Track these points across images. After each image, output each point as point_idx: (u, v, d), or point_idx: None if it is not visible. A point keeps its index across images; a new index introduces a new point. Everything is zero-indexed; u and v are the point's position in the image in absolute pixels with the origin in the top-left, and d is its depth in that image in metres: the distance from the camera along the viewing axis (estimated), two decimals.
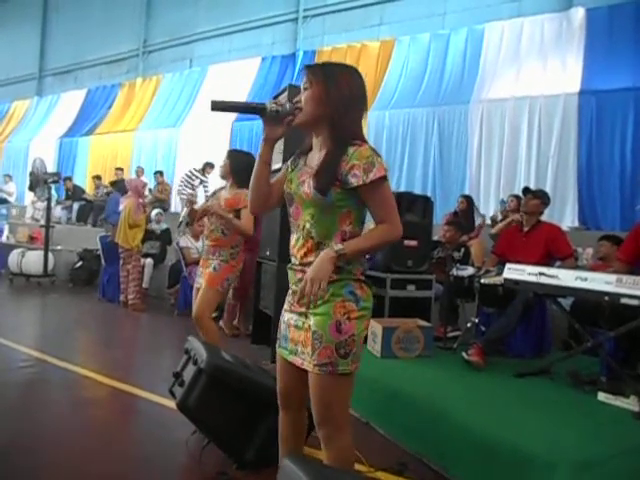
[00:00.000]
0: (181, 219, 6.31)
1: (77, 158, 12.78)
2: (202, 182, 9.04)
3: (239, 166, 3.22)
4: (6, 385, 3.27)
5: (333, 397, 1.52)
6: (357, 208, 1.53)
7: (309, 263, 1.51)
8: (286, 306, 1.65)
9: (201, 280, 3.21)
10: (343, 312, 1.49)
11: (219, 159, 3.71)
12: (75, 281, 7.85)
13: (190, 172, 9.09)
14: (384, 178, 1.47)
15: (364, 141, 1.51)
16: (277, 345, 1.67)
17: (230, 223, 3.10)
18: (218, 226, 3.20)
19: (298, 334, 1.56)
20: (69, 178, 10.96)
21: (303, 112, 1.53)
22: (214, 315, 3.76)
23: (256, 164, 1.65)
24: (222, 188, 3.38)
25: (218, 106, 1.59)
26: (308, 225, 1.53)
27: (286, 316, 1.64)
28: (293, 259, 1.61)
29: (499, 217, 6.55)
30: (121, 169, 10.57)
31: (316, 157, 1.56)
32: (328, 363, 1.47)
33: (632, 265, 3.26)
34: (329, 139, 1.53)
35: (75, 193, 10.68)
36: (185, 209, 4.94)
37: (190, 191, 8.68)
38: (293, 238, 1.61)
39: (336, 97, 1.50)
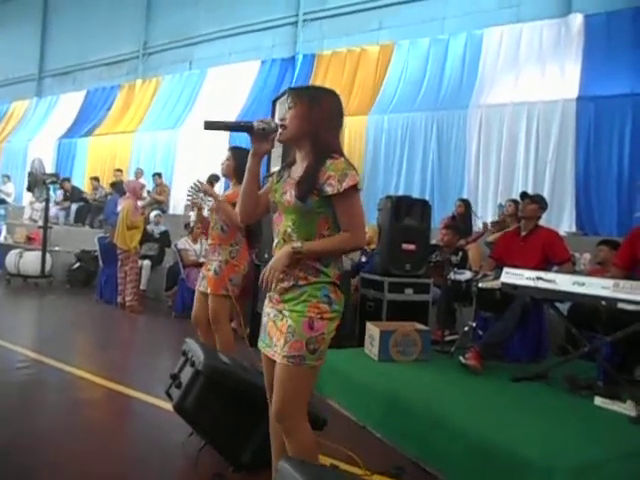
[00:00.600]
0: (192, 225, 6.39)
1: (76, 159, 12.75)
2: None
3: (242, 162, 3.22)
4: (3, 386, 3.26)
5: (296, 388, 1.65)
6: (333, 215, 1.68)
7: (289, 265, 1.66)
8: (266, 302, 1.81)
9: (204, 282, 3.18)
10: (317, 312, 1.64)
11: (218, 161, 3.70)
12: (73, 282, 7.84)
13: (195, 184, 9.10)
14: (355, 187, 1.64)
15: (341, 154, 1.69)
16: (259, 341, 1.81)
17: (220, 206, 3.08)
18: (218, 222, 3.19)
19: (275, 328, 1.71)
20: (67, 179, 10.94)
21: (288, 129, 1.70)
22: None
23: (245, 176, 1.81)
24: (226, 190, 3.39)
25: (210, 126, 1.80)
26: (289, 230, 1.70)
27: (266, 309, 1.79)
28: None
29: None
30: (120, 170, 10.56)
31: (299, 169, 1.73)
32: (297, 356, 1.62)
33: (628, 270, 3.27)
34: (311, 153, 1.70)
35: (73, 194, 10.66)
36: (193, 213, 4.99)
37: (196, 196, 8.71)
38: (275, 242, 1.76)
39: (318, 116, 1.67)
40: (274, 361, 1.70)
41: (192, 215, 5.43)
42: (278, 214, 1.76)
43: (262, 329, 1.80)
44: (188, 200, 3.39)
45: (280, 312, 1.71)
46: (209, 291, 3.11)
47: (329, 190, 1.63)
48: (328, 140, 1.69)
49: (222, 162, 3.32)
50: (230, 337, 3.16)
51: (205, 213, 3.40)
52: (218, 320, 3.10)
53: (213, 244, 3.20)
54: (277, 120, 1.76)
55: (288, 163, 1.82)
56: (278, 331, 1.69)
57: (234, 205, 3.11)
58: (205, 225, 3.35)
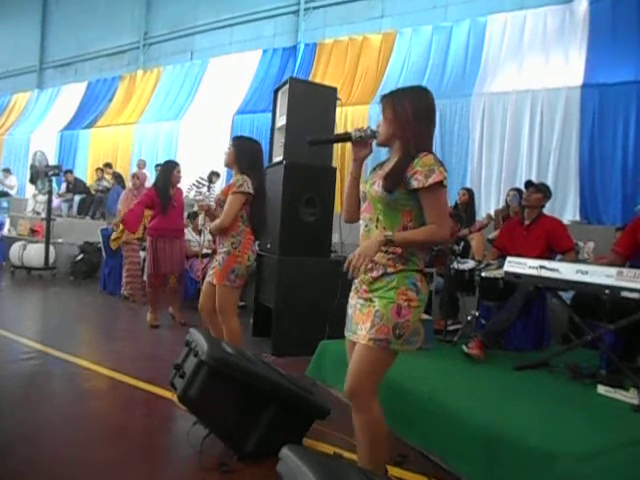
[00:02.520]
0: (200, 227, 6.46)
1: (78, 151, 12.74)
2: (209, 188, 9.09)
3: (244, 152, 3.21)
4: (8, 377, 3.28)
5: (373, 368, 1.75)
6: (418, 208, 1.77)
7: (379, 253, 1.76)
8: (352, 294, 1.91)
9: (212, 273, 3.20)
10: (405, 299, 1.73)
11: (220, 151, 3.69)
12: (76, 274, 7.86)
13: (197, 181, 9.12)
14: (441, 183, 1.72)
15: (430, 151, 1.78)
16: (345, 331, 1.92)
17: (215, 225, 3.17)
18: (219, 214, 3.20)
19: (361, 315, 1.80)
20: (70, 171, 10.95)
21: (380, 133, 1.85)
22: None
23: (348, 179, 1.98)
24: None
25: (314, 142, 2.03)
26: (380, 217, 1.80)
27: (352, 301, 1.90)
28: None
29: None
30: (110, 165, 10.63)
31: (390, 164, 1.84)
32: (384, 339, 1.71)
33: (628, 258, 3.26)
34: (399, 150, 1.82)
35: (76, 186, 10.67)
36: (201, 216, 5.04)
37: (202, 197, 8.75)
38: (363, 230, 1.86)
39: (402, 117, 1.78)
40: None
41: (200, 218, 5.48)
42: (367, 203, 1.86)
43: (347, 320, 1.91)
44: (197, 200, 3.44)
45: (368, 300, 1.80)
46: (215, 282, 3.13)
47: (415, 184, 1.71)
48: (415, 138, 1.77)
49: (225, 152, 3.32)
50: (238, 329, 3.17)
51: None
52: (224, 311, 3.11)
53: (219, 236, 3.21)
54: (373, 126, 1.90)
55: (384, 160, 1.94)
56: (365, 316, 1.77)
57: (242, 194, 3.12)
58: (212, 219, 3.36)
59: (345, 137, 1.91)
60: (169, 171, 4.99)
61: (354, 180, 1.97)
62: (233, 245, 3.13)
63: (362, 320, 1.78)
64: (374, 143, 1.91)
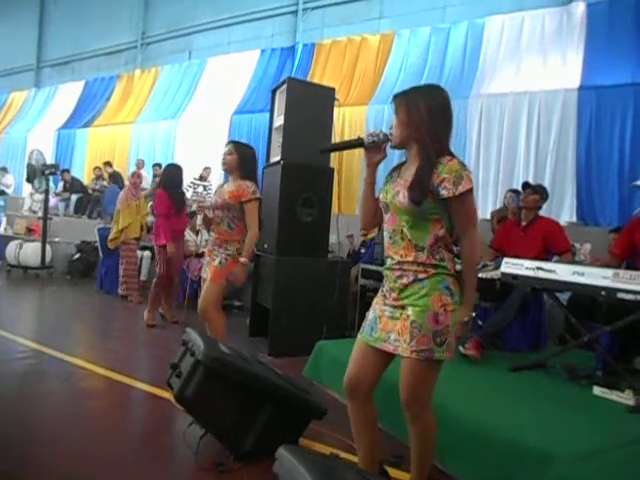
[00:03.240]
0: (198, 228, 6.48)
1: (75, 150, 12.71)
2: (205, 187, 9.09)
3: (246, 159, 3.22)
4: (4, 376, 3.27)
5: (424, 380, 1.73)
6: (446, 216, 1.73)
7: (408, 262, 1.73)
8: (378, 300, 1.85)
9: (208, 269, 3.21)
10: (440, 305, 1.68)
11: (218, 152, 3.68)
12: (73, 273, 7.84)
13: (192, 182, 9.14)
14: (470, 190, 1.67)
15: (451, 155, 1.71)
16: (360, 333, 1.86)
17: (250, 253, 3.18)
18: (224, 219, 3.18)
19: (393, 324, 1.74)
20: (67, 170, 10.93)
21: (394, 135, 1.78)
22: None
23: (363, 186, 1.91)
24: (224, 183, 3.37)
25: (326, 150, 2.07)
26: (405, 229, 1.74)
27: (378, 308, 1.83)
28: (389, 261, 1.80)
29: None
30: (110, 163, 10.62)
31: (409, 170, 1.77)
32: (426, 350, 1.66)
33: (624, 259, 3.27)
34: (418, 155, 1.74)
35: (73, 185, 10.65)
36: (199, 217, 5.08)
37: (201, 198, 8.76)
38: (388, 242, 1.81)
39: (417, 118, 1.70)
40: (376, 353, 1.79)
41: (199, 219, 5.50)
42: (391, 214, 1.79)
43: (368, 324, 1.84)
44: (195, 201, 3.42)
45: (399, 308, 1.74)
46: (207, 280, 3.13)
47: (445, 194, 1.65)
48: (433, 140, 1.70)
49: (223, 156, 3.28)
50: (222, 324, 3.20)
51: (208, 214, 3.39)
52: (209, 308, 3.13)
53: (220, 239, 3.20)
54: (385, 129, 1.85)
55: (398, 164, 1.88)
56: (400, 326, 1.72)
57: (240, 203, 3.12)
58: (208, 223, 3.35)
59: (358, 143, 1.86)
60: (179, 174, 5.07)
61: (369, 186, 1.90)
62: (238, 251, 3.17)
63: (396, 330, 1.72)
64: (388, 146, 1.84)
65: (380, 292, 1.85)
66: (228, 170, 3.30)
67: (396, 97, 1.80)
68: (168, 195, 4.93)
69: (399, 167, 1.86)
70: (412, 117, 1.72)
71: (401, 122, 1.75)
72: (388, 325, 1.75)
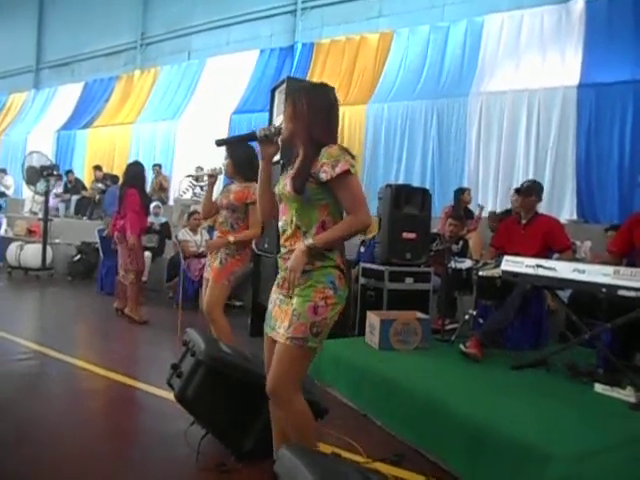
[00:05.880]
0: (205, 224, 6.48)
1: (75, 151, 12.72)
2: (202, 188, 9.10)
3: (240, 161, 3.20)
4: (5, 377, 3.28)
5: (293, 367, 1.76)
6: (333, 201, 1.78)
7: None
8: (274, 288, 1.91)
9: (210, 270, 3.20)
10: (322, 297, 1.73)
11: (217, 152, 3.66)
12: (73, 274, 7.85)
13: (190, 183, 9.14)
14: (348, 172, 1.71)
15: (335, 143, 1.79)
16: (264, 326, 1.92)
17: (242, 242, 3.14)
18: (228, 219, 3.18)
19: (280, 312, 1.82)
20: (71, 171, 10.98)
21: (284, 129, 1.87)
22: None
23: (259, 178, 1.97)
24: (230, 184, 3.34)
25: (221, 143, 2.06)
26: (295, 218, 1.80)
27: (273, 296, 1.91)
28: (282, 249, 1.86)
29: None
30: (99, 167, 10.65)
31: (296, 163, 1.85)
32: (300, 338, 1.71)
33: (623, 257, 3.27)
34: (302, 146, 1.83)
35: (77, 186, 10.68)
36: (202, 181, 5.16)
37: (199, 199, 8.78)
38: (281, 231, 1.87)
39: (301, 113, 1.80)
40: (275, 343, 1.80)
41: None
42: (283, 205, 1.86)
43: (267, 314, 1.91)
44: (194, 201, 3.37)
45: (288, 297, 1.80)
46: (210, 281, 3.13)
47: (323, 177, 1.72)
48: (316, 133, 1.78)
49: (223, 162, 3.29)
50: (227, 325, 3.17)
51: (214, 195, 3.35)
52: (213, 309, 3.12)
53: (222, 238, 3.20)
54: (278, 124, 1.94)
55: (292, 159, 1.93)
56: (283, 313, 1.79)
57: (245, 205, 3.12)
58: (207, 210, 3.31)
59: (251, 136, 1.93)
60: (143, 171, 5.27)
61: (266, 178, 1.97)
62: (238, 250, 3.16)
63: (281, 318, 1.80)
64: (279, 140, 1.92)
65: (276, 281, 1.91)
66: (229, 175, 3.29)
67: (286, 95, 1.93)
68: (139, 193, 5.10)
69: (293, 162, 1.91)
70: (297, 112, 1.81)
71: (287, 117, 1.85)
72: (278, 313, 1.83)
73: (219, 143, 2.02)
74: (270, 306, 1.91)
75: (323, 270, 1.75)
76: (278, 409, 1.83)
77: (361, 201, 1.77)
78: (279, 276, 1.89)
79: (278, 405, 1.81)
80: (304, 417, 1.81)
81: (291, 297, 1.78)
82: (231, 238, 3.10)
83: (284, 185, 1.83)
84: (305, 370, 1.82)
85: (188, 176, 3.99)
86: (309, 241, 1.72)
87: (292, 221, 1.80)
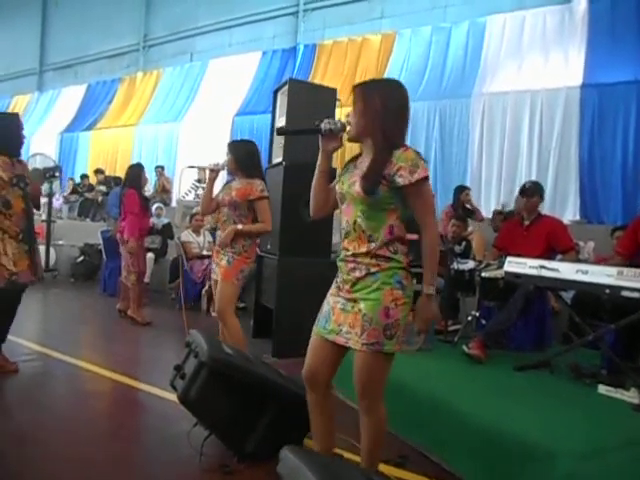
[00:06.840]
0: (207, 226, 6.49)
1: (78, 153, 12.77)
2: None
3: (241, 157, 3.20)
4: (9, 379, 3.28)
5: (376, 373, 1.74)
6: (402, 205, 1.74)
7: (361, 254, 1.73)
8: (333, 291, 1.85)
9: (218, 270, 3.19)
10: (391, 299, 1.70)
11: (220, 153, 3.67)
12: (77, 276, 7.87)
13: (193, 184, 9.17)
14: (426, 178, 1.68)
15: (408, 147, 1.72)
16: (315, 325, 1.87)
17: (250, 232, 3.15)
18: (231, 217, 3.18)
19: (345, 316, 1.75)
20: (86, 176, 11.14)
21: (351, 124, 1.78)
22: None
23: (315, 173, 1.91)
24: (232, 179, 3.34)
25: (282, 132, 2.03)
26: (359, 220, 1.74)
27: (332, 300, 1.83)
28: (343, 252, 1.80)
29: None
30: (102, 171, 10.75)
31: (365, 162, 1.77)
32: (375, 342, 1.68)
33: (631, 258, 3.25)
34: (372, 146, 1.74)
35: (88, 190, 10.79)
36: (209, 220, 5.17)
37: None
38: (343, 233, 1.80)
39: (374, 110, 1.72)
40: (329, 345, 1.80)
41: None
42: (347, 205, 1.79)
43: (323, 316, 1.85)
44: (197, 203, 3.37)
45: (351, 300, 1.75)
46: (219, 281, 3.13)
47: (400, 181, 1.66)
48: (389, 132, 1.72)
49: (225, 160, 3.30)
50: (238, 326, 3.16)
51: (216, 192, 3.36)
52: (224, 309, 3.11)
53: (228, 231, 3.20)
54: (343, 118, 1.84)
55: (354, 156, 1.87)
56: (350, 319, 1.73)
57: (248, 201, 3.12)
58: (206, 205, 3.32)
59: (315, 129, 1.84)
60: (143, 173, 5.33)
61: (322, 174, 1.90)
62: (244, 248, 3.16)
63: (348, 323, 1.74)
64: (344, 137, 1.85)
65: (334, 283, 1.86)
66: (231, 171, 3.30)
67: (354, 87, 1.80)
68: (138, 194, 5.14)
69: (355, 159, 1.86)
70: (370, 108, 1.73)
71: (358, 113, 1.76)
72: (340, 317, 1.77)
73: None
74: (326, 307, 1.85)
75: (389, 271, 1.72)
76: (364, 415, 1.83)
77: (433, 210, 1.78)
78: (339, 279, 1.83)
79: (365, 410, 1.82)
80: (384, 424, 1.84)
81: (355, 300, 1.73)
82: (240, 226, 3.11)
83: (351, 184, 1.75)
84: (386, 374, 1.79)
85: (190, 167, 3.97)
86: (430, 290, 1.75)
87: (356, 222, 1.74)
